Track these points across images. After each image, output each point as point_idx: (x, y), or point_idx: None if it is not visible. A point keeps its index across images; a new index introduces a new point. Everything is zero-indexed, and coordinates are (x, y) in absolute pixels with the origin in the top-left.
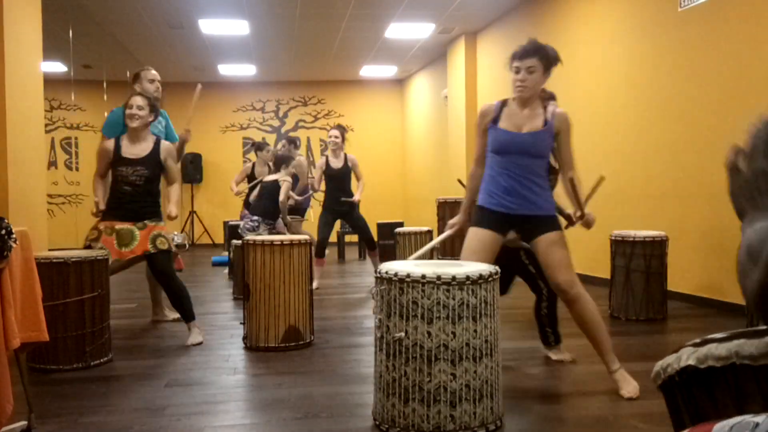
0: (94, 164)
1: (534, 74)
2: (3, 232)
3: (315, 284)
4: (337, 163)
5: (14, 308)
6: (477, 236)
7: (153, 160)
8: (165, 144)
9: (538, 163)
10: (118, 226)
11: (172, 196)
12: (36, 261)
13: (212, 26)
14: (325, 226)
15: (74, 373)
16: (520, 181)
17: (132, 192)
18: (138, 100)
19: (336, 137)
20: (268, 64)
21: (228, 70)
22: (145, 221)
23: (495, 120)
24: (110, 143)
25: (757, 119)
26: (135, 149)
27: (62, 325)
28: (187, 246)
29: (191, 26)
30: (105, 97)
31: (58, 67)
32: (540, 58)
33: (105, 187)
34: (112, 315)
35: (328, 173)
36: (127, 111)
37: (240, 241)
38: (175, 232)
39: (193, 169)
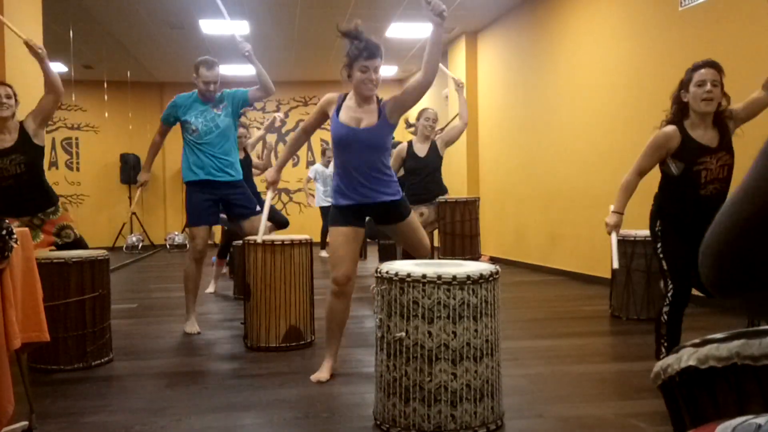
0: (95, 165)
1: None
2: (4, 232)
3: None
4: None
5: (15, 308)
6: None
7: (25, 143)
8: (27, 121)
9: None
10: (17, 222)
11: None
12: (37, 261)
13: (212, 26)
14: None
15: (75, 374)
16: None
17: (16, 185)
18: (7, 90)
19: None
20: (269, 64)
21: (228, 70)
22: (40, 215)
23: None
24: None
25: None
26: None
27: (63, 326)
28: (188, 246)
29: (192, 26)
30: (105, 97)
31: (58, 68)
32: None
33: None
34: (112, 315)
35: None
36: None
37: (240, 241)
38: (175, 233)
39: None
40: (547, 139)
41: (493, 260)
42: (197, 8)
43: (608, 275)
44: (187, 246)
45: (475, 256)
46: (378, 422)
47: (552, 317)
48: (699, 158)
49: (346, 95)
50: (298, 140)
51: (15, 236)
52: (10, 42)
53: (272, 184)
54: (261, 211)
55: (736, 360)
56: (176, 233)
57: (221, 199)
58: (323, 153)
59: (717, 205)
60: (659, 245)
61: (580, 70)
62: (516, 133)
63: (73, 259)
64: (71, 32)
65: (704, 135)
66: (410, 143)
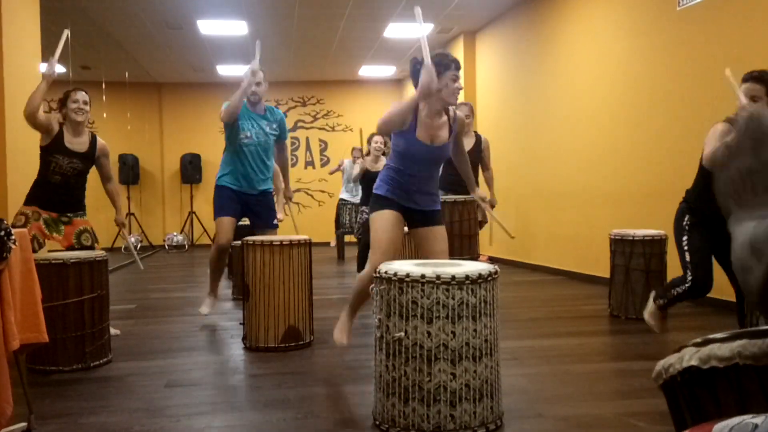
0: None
1: None
2: (2, 233)
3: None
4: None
5: (14, 309)
6: None
7: (89, 157)
8: (101, 141)
9: None
10: (45, 214)
11: (116, 199)
12: (35, 262)
13: (211, 27)
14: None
15: (74, 374)
16: None
17: (63, 183)
18: (84, 95)
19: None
20: (267, 64)
21: (227, 70)
22: (69, 214)
23: None
24: (57, 124)
25: (743, 115)
26: (78, 141)
27: (62, 326)
28: (186, 246)
29: (190, 27)
30: (104, 97)
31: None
32: None
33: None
34: (111, 316)
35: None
36: (74, 105)
37: (239, 242)
38: (174, 233)
39: (192, 170)
40: (545, 138)
41: (491, 260)
42: (195, 9)
43: (607, 275)
44: (186, 248)
45: (474, 256)
46: (377, 422)
47: (551, 317)
48: None
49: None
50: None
51: (13, 237)
52: (9, 43)
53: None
54: (276, 226)
55: (738, 360)
56: (175, 234)
57: (246, 203)
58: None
59: None
60: (685, 239)
61: (579, 70)
62: (514, 133)
63: (72, 260)
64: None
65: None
66: None
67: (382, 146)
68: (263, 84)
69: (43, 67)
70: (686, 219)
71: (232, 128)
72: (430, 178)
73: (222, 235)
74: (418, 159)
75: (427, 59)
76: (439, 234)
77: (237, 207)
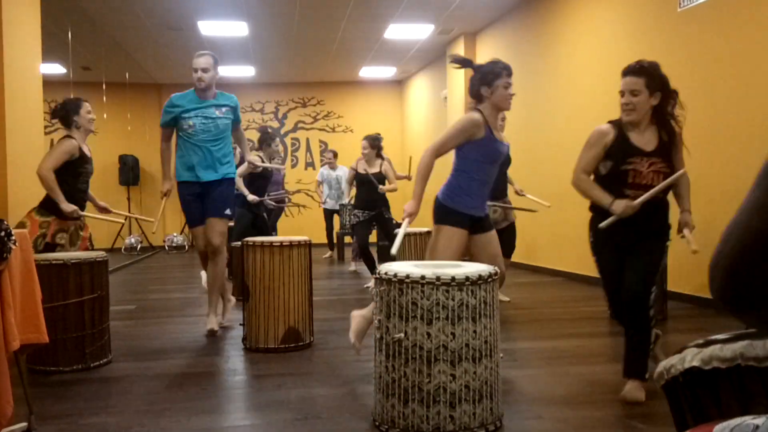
0: (94, 166)
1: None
2: (2, 233)
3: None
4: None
5: (14, 310)
6: None
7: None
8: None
9: None
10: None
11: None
12: (35, 263)
13: (211, 28)
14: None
15: (74, 375)
16: None
17: (86, 189)
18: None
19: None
20: (268, 65)
21: (227, 71)
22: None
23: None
24: (75, 143)
25: None
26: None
27: (62, 327)
28: (186, 247)
29: (190, 28)
30: (104, 98)
31: (57, 69)
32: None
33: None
34: (111, 317)
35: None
36: (89, 116)
37: (239, 242)
38: (174, 234)
39: None
40: (546, 139)
41: None
42: (196, 10)
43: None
44: (186, 248)
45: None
46: (377, 423)
47: (551, 318)
48: (628, 158)
49: (482, 113)
50: (428, 165)
51: (14, 238)
52: (10, 44)
53: (411, 215)
54: (227, 216)
55: (740, 361)
56: (175, 234)
57: (199, 194)
58: (323, 153)
59: (646, 211)
60: (595, 258)
61: (580, 71)
62: (515, 134)
63: (72, 261)
64: (69, 34)
65: (640, 137)
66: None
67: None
68: (211, 70)
69: (43, 69)
70: (591, 236)
71: (176, 122)
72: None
73: (199, 242)
74: (496, 162)
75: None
76: (495, 238)
77: (200, 206)
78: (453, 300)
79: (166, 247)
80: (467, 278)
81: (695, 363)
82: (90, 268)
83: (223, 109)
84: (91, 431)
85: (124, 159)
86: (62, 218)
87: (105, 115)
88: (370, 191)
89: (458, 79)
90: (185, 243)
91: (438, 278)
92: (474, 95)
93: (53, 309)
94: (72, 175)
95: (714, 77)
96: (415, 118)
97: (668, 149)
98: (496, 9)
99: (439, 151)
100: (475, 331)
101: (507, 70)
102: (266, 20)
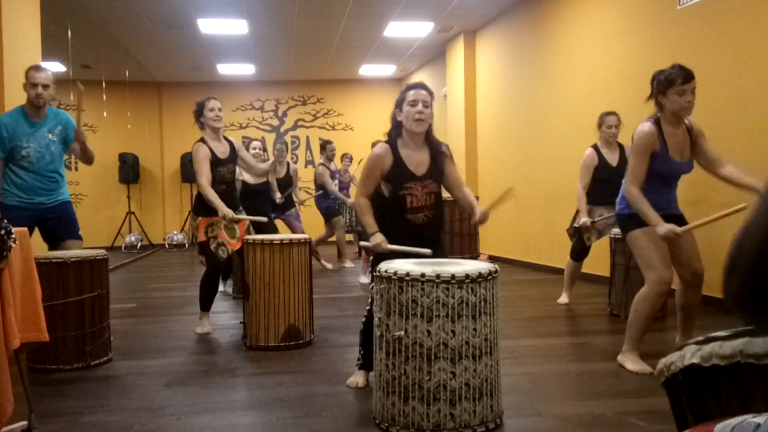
0: (94, 164)
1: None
2: (2, 232)
3: None
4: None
5: (14, 308)
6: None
7: (234, 156)
8: (233, 140)
9: None
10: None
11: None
12: (36, 261)
13: (211, 26)
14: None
15: (74, 373)
16: None
17: (227, 189)
18: (218, 103)
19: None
20: (267, 63)
21: (227, 69)
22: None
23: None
24: (206, 147)
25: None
26: (222, 149)
27: (62, 325)
28: (186, 245)
29: (190, 26)
30: (104, 96)
31: (57, 68)
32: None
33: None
34: (111, 315)
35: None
36: (211, 113)
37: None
38: (174, 232)
39: (192, 169)
40: (545, 137)
41: (491, 259)
42: (196, 8)
43: (607, 274)
44: (186, 246)
45: (474, 255)
46: (377, 421)
47: (551, 316)
48: (405, 183)
49: (658, 122)
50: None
51: (14, 236)
52: (10, 42)
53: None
54: (81, 237)
55: (740, 358)
56: (175, 233)
57: (38, 219)
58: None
59: (425, 233)
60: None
61: (579, 69)
62: (515, 132)
63: (72, 259)
64: (69, 32)
65: (412, 158)
66: (597, 151)
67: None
68: (51, 86)
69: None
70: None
71: (6, 148)
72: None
73: None
74: (674, 176)
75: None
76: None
77: (26, 221)
78: (453, 298)
79: (166, 245)
80: (467, 276)
81: (695, 360)
82: (90, 266)
83: (57, 130)
84: (91, 429)
85: (124, 157)
86: (209, 216)
87: (105, 114)
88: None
89: (458, 77)
90: (185, 241)
91: (438, 276)
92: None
93: (53, 307)
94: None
95: (714, 75)
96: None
97: (439, 170)
98: (496, 7)
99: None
100: (475, 329)
101: (682, 77)
102: (266, 18)
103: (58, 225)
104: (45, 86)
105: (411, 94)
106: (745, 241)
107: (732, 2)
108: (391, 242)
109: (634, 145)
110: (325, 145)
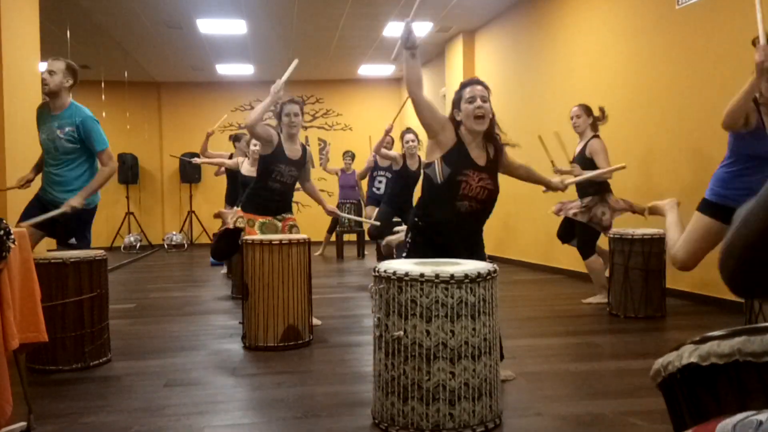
0: None
1: None
2: (1, 232)
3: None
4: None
5: (13, 309)
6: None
7: (301, 162)
8: (308, 148)
9: None
10: (261, 219)
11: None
12: (34, 261)
13: (210, 26)
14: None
15: (73, 374)
16: None
17: (281, 189)
18: (295, 108)
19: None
20: (266, 63)
21: (226, 69)
22: (283, 215)
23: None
24: (276, 135)
25: None
26: (294, 152)
27: (61, 326)
28: (186, 246)
29: (189, 26)
30: (103, 97)
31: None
32: None
33: None
34: (110, 315)
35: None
36: (286, 119)
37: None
38: (173, 232)
39: (191, 169)
40: (545, 137)
41: (491, 259)
42: (195, 8)
43: (606, 273)
44: (185, 246)
45: None
46: (376, 421)
47: (550, 315)
48: (464, 169)
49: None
50: None
51: (12, 237)
52: (8, 42)
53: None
54: (70, 245)
55: (738, 357)
56: (174, 233)
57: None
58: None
59: (470, 224)
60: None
61: (578, 69)
62: (513, 132)
63: (71, 260)
64: (68, 32)
65: (475, 150)
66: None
67: (416, 143)
68: (59, 73)
69: (42, 66)
70: (409, 236)
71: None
72: None
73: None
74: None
75: None
76: None
77: (34, 210)
78: (452, 298)
79: (165, 246)
80: (466, 276)
81: (693, 360)
82: (89, 266)
83: (67, 129)
84: (90, 430)
85: (123, 157)
86: (254, 214)
87: (104, 114)
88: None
89: (457, 77)
90: (184, 241)
91: (437, 276)
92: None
93: (52, 308)
94: (265, 170)
95: (712, 75)
96: (414, 116)
97: (496, 165)
98: (495, 7)
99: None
100: (474, 329)
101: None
102: (265, 18)
103: (58, 226)
104: (50, 72)
105: (467, 91)
106: (744, 228)
107: (731, 2)
108: (432, 231)
109: None
110: None
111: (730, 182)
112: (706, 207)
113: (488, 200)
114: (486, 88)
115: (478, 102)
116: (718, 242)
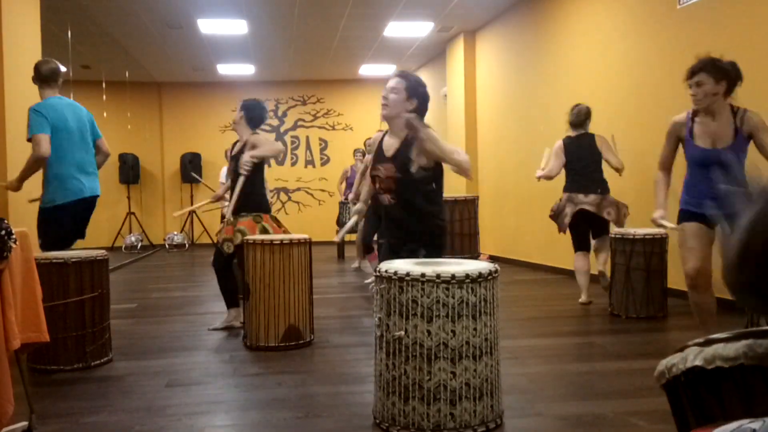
0: None
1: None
2: (3, 232)
3: None
4: None
5: (14, 309)
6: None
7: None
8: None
9: None
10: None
11: None
12: (36, 261)
13: (211, 26)
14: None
15: (75, 374)
16: None
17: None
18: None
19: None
20: (267, 63)
21: (227, 69)
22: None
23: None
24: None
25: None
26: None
27: (62, 326)
28: (187, 246)
29: (190, 26)
30: (104, 97)
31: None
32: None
33: None
34: (111, 315)
35: None
36: None
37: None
38: (174, 232)
39: (192, 169)
40: (545, 136)
41: (492, 259)
42: (196, 8)
43: (608, 273)
44: (186, 246)
45: (475, 255)
46: (377, 421)
47: (551, 316)
48: (377, 162)
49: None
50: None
51: (14, 237)
52: (9, 43)
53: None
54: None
55: (744, 360)
56: (175, 233)
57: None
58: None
59: (393, 214)
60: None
61: (579, 69)
62: (515, 132)
63: (72, 260)
64: (69, 33)
65: (388, 141)
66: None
67: None
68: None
69: None
70: None
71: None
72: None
73: None
74: (698, 164)
75: None
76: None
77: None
78: (453, 298)
79: (167, 246)
80: (467, 276)
81: (698, 362)
82: (90, 266)
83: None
84: (91, 430)
85: (124, 157)
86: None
87: (105, 114)
88: None
89: (458, 76)
90: (185, 241)
91: (438, 276)
92: None
93: (54, 308)
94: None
95: None
96: None
97: (404, 157)
98: (496, 7)
99: None
100: (475, 329)
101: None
102: (266, 18)
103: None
104: None
105: None
106: (758, 227)
107: (732, 2)
108: (378, 221)
109: None
110: None
111: (688, 189)
112: (681, 216)
113: (398, 189)
114: (404, 78)
115: (384, 93)
116: (711, 240)
